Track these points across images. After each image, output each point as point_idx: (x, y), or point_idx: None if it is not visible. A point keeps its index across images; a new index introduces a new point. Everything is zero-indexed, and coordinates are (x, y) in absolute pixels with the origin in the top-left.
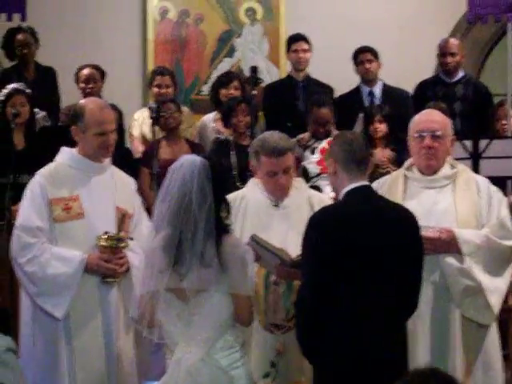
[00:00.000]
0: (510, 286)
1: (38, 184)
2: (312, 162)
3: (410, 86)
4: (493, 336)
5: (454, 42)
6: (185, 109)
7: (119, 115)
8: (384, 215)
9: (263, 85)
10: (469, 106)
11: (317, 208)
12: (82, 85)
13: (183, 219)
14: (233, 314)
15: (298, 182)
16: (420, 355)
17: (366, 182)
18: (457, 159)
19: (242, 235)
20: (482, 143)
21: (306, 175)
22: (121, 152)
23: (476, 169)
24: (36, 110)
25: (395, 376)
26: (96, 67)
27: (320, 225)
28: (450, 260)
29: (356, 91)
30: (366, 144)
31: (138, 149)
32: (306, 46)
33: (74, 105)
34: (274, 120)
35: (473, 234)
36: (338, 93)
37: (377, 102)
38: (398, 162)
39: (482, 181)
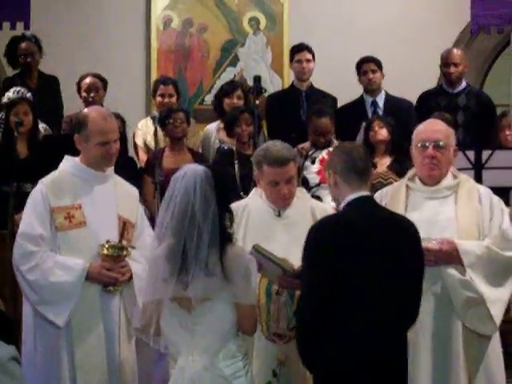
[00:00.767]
0: None
1: (41, 192)
2: (312, 171)
3: (413, 97)
4: (495, 347)
5: (456, 52)
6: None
7: (122, 124)
8: (385, 226)
9: (266, 94)
10: (471, 117)
11: (319, 218)
12: (84, 94)
13: (187, 228)
14: (236, 323)
15: (301, 192)
16: (421, 366)
17: (367, 193)
18: (459, 169)
19: (245, 245)
20: (485, 154)
21: (306, 185)
22: (124, 161)
23: (479, 179)
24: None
25: None
26: (98, 76)
27: (320, 235)
28: (452, 271)
29: (359, 101)
30: (366, 154)
31: (142, 158)
32: (309, 56)
33: (75, 114)
34: (277, 130)
35: (474, 245)
36: (341, 103)
37: (380, 112)
38: (400, 173)
39: (485, 191)
